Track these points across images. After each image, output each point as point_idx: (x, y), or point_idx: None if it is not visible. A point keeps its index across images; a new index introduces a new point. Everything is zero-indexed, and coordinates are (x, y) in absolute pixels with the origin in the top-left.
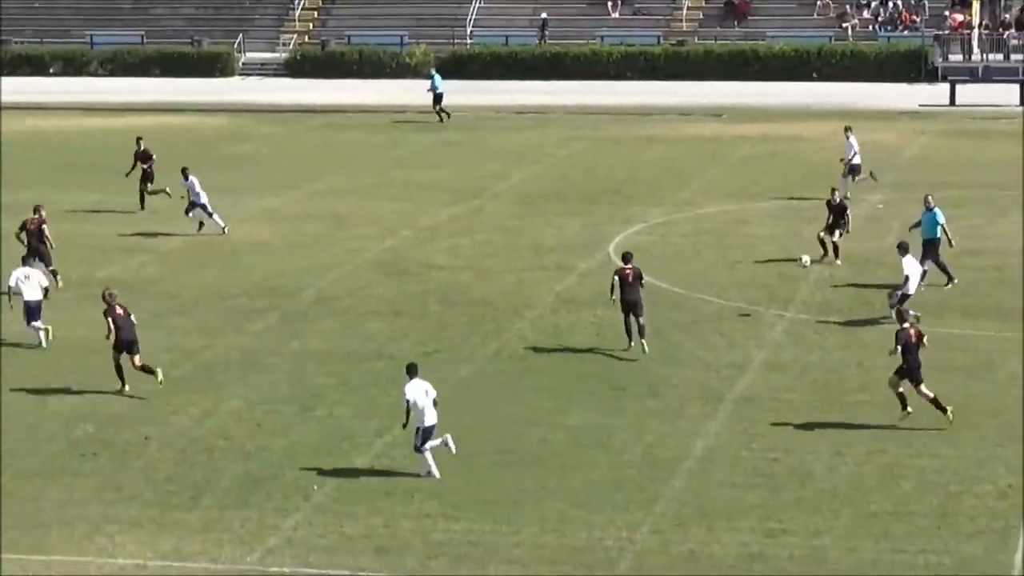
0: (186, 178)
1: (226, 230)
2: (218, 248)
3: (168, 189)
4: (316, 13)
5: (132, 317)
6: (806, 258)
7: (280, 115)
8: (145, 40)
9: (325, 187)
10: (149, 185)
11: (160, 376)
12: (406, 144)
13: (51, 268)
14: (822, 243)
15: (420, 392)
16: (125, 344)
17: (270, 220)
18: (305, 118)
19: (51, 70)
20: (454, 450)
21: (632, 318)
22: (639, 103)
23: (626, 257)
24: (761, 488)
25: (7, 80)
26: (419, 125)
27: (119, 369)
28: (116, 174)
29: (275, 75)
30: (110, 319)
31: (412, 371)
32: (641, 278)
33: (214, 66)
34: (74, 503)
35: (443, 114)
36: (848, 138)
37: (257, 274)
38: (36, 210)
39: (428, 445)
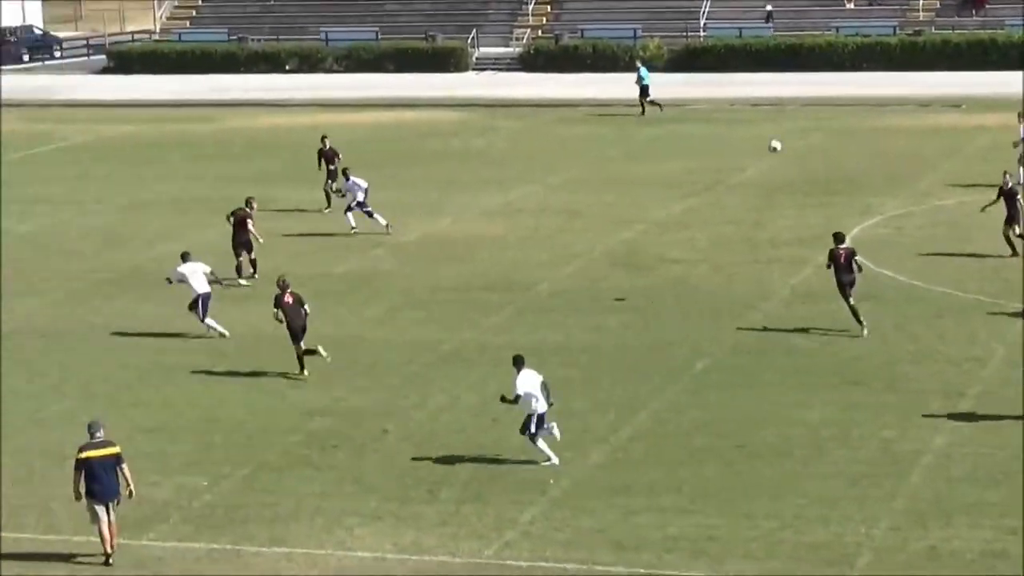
0: (347, 179)
1: (354, 229)
2: (453, 242)
3: (338, 188)
4: (549, 7)
5: (305, 306)
6: (776, 143)
7: (514, 109)
8: (379, 36)
9: (559, 181)
10: (332, 184)
11: (325, 353)
12: (640, 137)
13: (252, 257)
14: (1009, 242)
15: (531, 382)
16: (294, 331)
17: (505, 214)
18: (539, 112)
19: (287, 67)
20: (559, 437)
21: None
22: (876, 94)
23: (839, 237)
24: (1002, 485)
25: (245, 77)
26: (652, 119)
27: (297, 348)
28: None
29: (508, 70)
30: (280, 306)
31: (519, 363)
32: (854, 256)
33: (448, 61)
34: (313, 496)
35: (656, 105)
36: (1021, 123)
37: (492, 268)
38: (248, 202)
39: (541, 433)
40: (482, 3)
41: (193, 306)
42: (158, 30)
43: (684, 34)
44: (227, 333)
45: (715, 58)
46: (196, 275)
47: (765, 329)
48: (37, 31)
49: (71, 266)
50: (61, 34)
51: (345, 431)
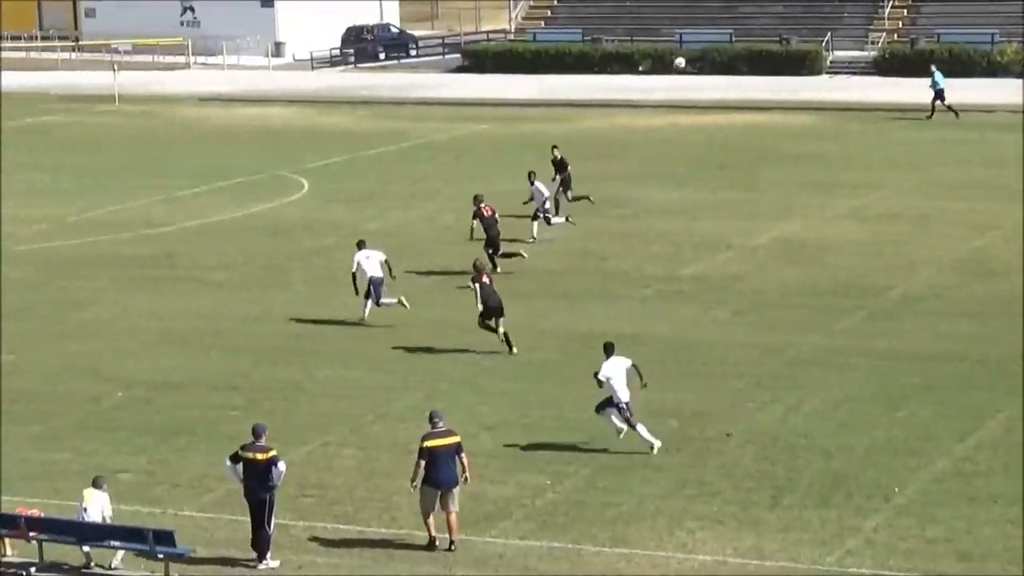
0: (532, 183)
1: (533, 239)
2: (803, 245)
3: (591, 197)
4: (906, 11)
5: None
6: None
7: (867, 114)
8: (733, 38)
9: (911, 185)
10: (569, 193)
11: (514, 350)
12: (993, 143)
13: (502, 253)
14: None
15: (615, 369)
16: (492, 310)
17: (856, 218)
18: (892, 117)
19: (639, 68)
20: (654, 447)
21: None
22: None
23: None
24: None
25: (598, 78)
26: (1007, 125)
27: (486, 327)
28: (700, 170)
29: (863, 73)
30: (477, 286)
31: (609, 350)
32: None
33: (802, 64)
34: (655, 497)
35: (951, 111)
36: None
37: (843, 272)
38: (479, 199)
39: (640, 427)
40: (837, 6)
41: (368, 293)
42: (513, 30)
43: None
44: (407, 305)
45: None
46: (371, 261)
47: None
48: (393, 29)
49: (423, 262)
50: (417, 33)
51: (689, 433)
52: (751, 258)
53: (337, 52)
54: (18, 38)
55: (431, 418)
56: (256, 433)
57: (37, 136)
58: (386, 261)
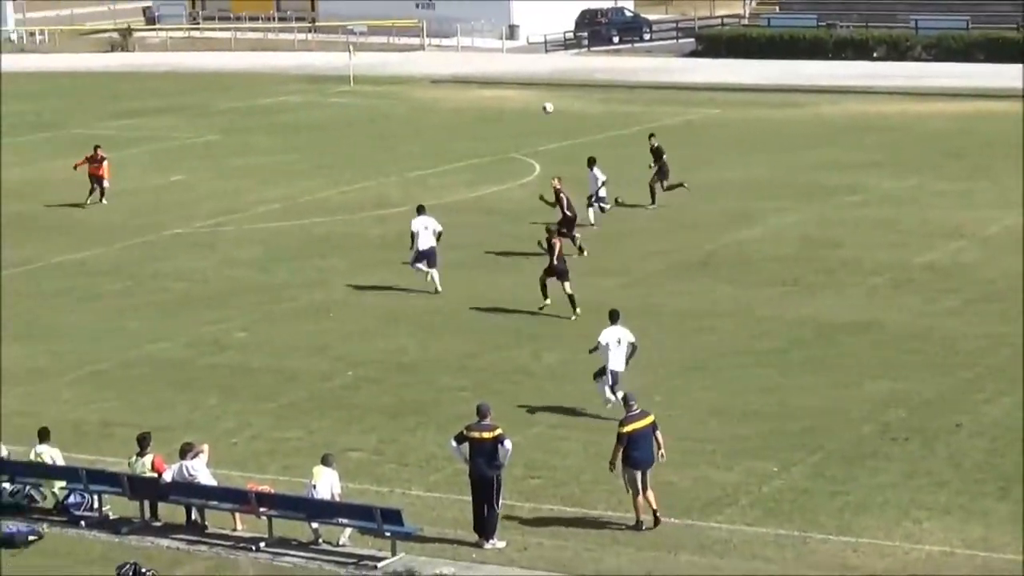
0: (591, 168)
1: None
2: None
3: (686, 183)
4: None
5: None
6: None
7: None
8: (970, 25)
9: None
10: (664, 182)
11: (576, 314)
12: None
13: (571, 235)
14: None
15: (613, 337)
16: (558, 272)
17: None
18: None
19: (874, 54)
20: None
21: None
22: None
23: None
24: None
25: (831, 63)
26: None
27: (544, 287)
28: (934, 158)
29: None
30: (552, 251)
31: (614, 317)
32: None
33: None
34: (883, 487)
35: None
36: None
37: None
38: (557, 179)
39: (612, 390)
40: None
41: (417, 259)
42: (747, 15)
43: None
44: (440, 289)
45: None
46: (427, 232)
47: None
48: (627, 13)
49: (649, 247)
50: (651, 16)
51: (917, 423)
52: (983, 247)
53: (571, 35)
54: (256, 19)
55: (626, 401)
56: (481, 412)
57: (273, 116)
58: (439, 233)
